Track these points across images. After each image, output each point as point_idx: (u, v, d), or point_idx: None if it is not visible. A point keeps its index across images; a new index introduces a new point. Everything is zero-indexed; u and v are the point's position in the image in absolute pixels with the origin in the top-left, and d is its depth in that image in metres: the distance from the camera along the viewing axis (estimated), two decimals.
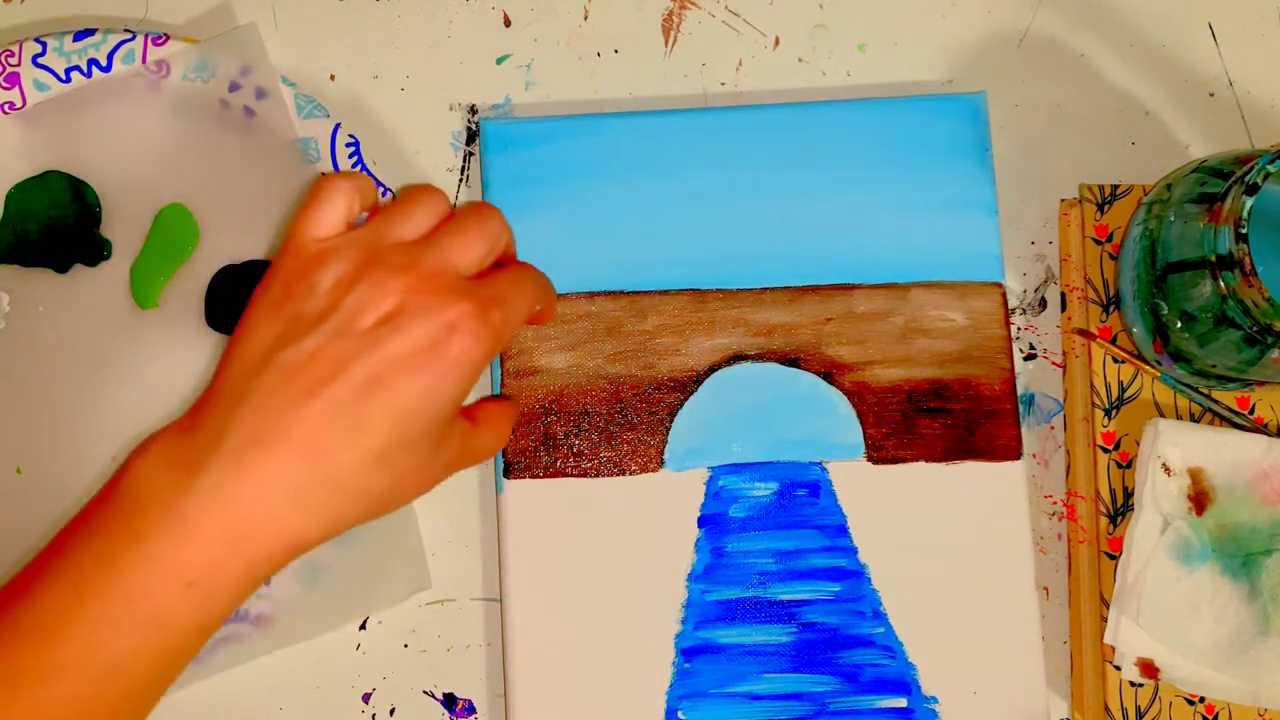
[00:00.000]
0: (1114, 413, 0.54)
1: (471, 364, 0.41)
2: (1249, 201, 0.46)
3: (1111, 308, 0.55)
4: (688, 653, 0.52)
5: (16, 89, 0.56)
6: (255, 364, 0.40)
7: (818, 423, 0.54)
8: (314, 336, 0.40)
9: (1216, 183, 0.49)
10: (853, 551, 0.53)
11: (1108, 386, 0.54)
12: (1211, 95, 0.59)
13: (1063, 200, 0.57)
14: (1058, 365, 0.56)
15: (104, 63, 0.56)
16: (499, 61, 0.59)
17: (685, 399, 0.54)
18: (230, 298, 0.55)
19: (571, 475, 0.53)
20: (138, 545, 0.38)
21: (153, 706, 0.40)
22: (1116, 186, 0.56)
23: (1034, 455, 0.56)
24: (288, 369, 0.40)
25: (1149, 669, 0.51)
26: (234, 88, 0.56)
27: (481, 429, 0.46)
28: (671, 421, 0.54)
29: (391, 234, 0.43)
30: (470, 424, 0.45)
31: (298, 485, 0.39)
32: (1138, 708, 0.51)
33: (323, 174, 0.44)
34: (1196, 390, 0.53)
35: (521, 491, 0.53)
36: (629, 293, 0.55)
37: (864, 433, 0.54)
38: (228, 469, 0.39)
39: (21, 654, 0.38)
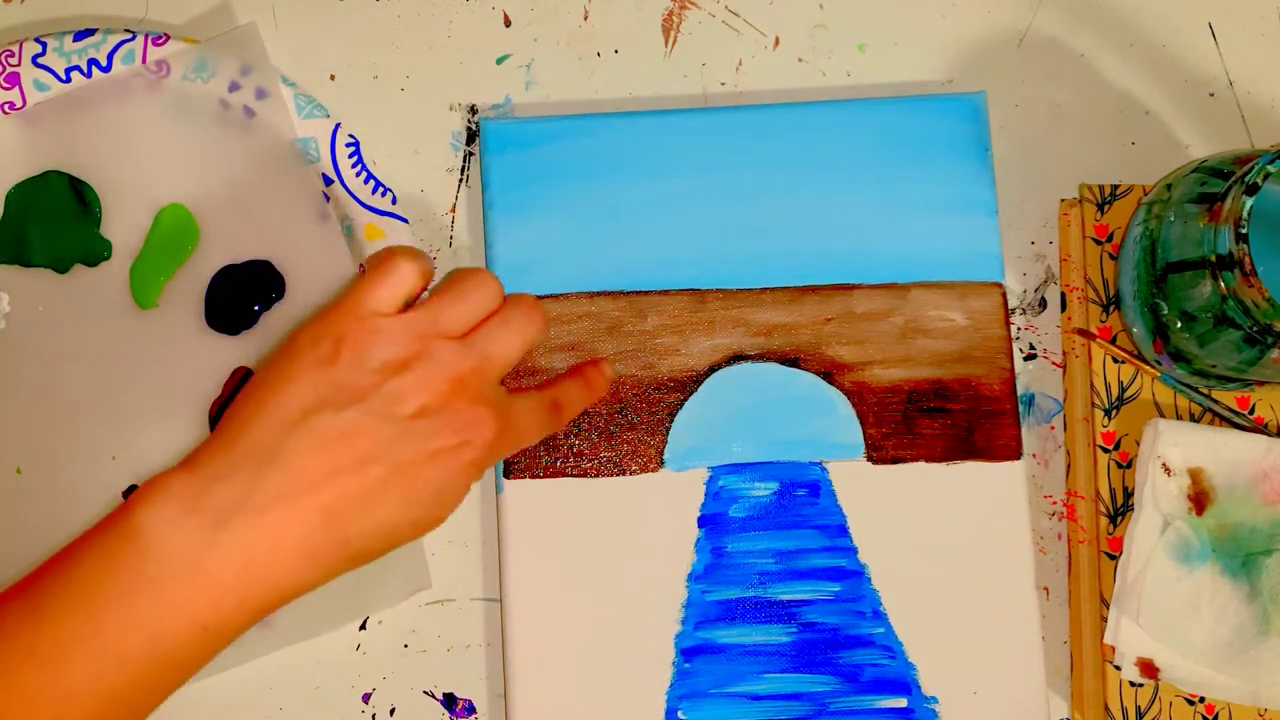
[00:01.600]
0: (1114, 413, 0.54)
1: (482, 469, 0.45)
2: (1249, 201, 0.46)
3: (1111, 308, 0.55)
4: (688, 653, 0.52)
5: (16, 89, 0.55)
6: (291, 420, 0.42)
7: (818, 423, 0.54)
8: (354, 410, 0.43)
9: (1216, 183, 0.49)
10: (853, 551, 0.53)
11: (1108, 386, 0.54)
12: (1211, 95, 0.59)
13: (1063, 200, 0.57)
14: (1058, 365, 0.56)
15: (104, 63, 0.56)
16: (499, 61, 0.59)
17: (685, 399, 0.54)
18: (230, 298, 0.55)
19: (571, 475, 0.53)
20: (159, 590, 0.40)
21: None
22: (1116, 186, 0.56)
23: (1034, 455, 0.56)
24: (324, 435, 0.42)
25: (1149, 669, 0.51)
26: (234, 88, 0.56)
27: None
28: (671, 421, 0.54)
29: (445, 324, 0.45)
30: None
31: (312, 544, 0.42)
32: (1138, 708, 0.51)
33: (391, 248, 0.47)
34: (1196, 390, 0.53)
35: (521, 491, 0.53)
36: (629, 293, 0.55)
37: (864, 433, 0.54)
38: (251, 524, 0.41)
39: (31, 677, 0.39)
